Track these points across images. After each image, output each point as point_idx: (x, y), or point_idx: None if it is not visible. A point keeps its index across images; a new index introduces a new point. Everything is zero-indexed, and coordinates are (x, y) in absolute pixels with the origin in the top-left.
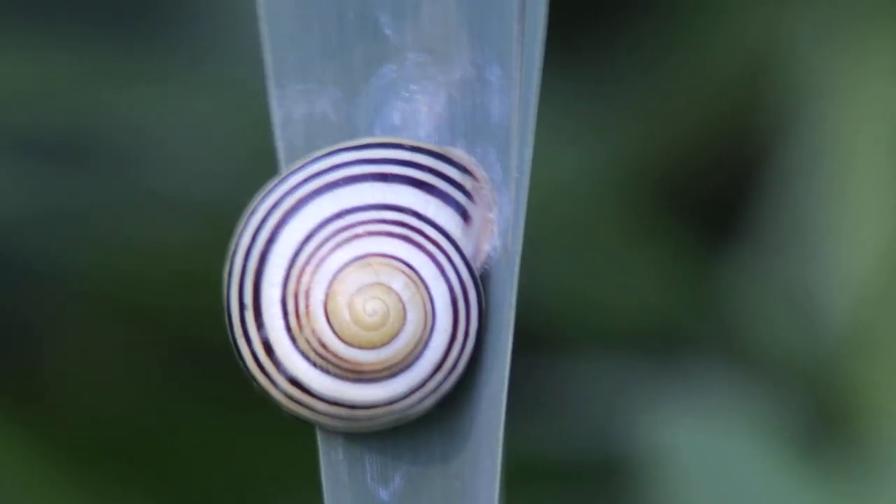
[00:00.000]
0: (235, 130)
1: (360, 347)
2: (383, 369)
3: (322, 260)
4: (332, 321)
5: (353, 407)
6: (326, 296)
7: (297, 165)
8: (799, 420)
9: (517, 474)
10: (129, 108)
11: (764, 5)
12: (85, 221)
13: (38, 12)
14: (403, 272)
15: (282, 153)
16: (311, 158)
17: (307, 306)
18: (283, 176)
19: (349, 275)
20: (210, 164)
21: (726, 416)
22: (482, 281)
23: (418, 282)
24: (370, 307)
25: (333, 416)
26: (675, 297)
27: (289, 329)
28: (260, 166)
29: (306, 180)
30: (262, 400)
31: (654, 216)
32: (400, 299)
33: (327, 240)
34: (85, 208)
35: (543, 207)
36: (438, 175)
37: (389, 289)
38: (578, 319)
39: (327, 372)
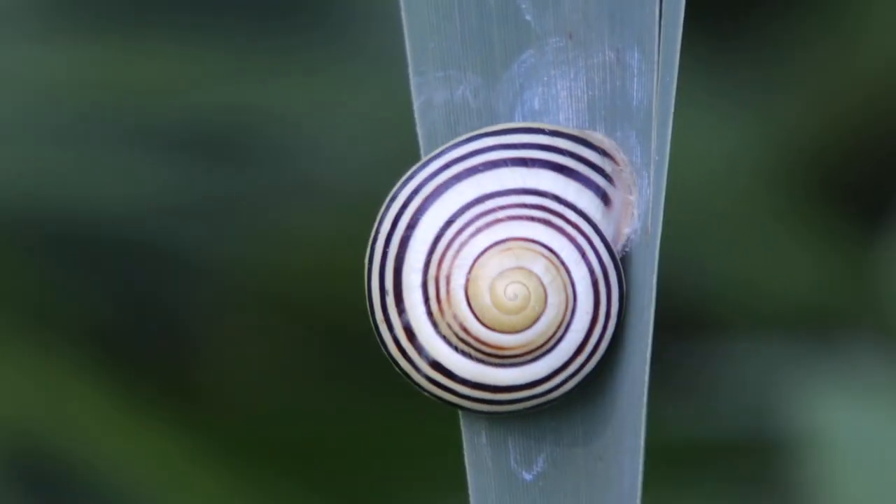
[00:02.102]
0: (384, 120)
1: (502, 331)
2: (525, 353)
3: (462, 245)
4: (473, 305)
5: (495, 390)
6: (467, 280)
7: (437, 151)
8: None
9: (668, 456)
10: (279, 101)
11: None
12: (238, 213)
13: (191, 9)
14: (544, 256)
15: (422, 140)
16: (451, 144)
17: (448, 291)
18: (423, 162)
19: (490, 259)
20: (358, 154)
21: (881, 395)
22: (623, 263)
23: (559, 265)
24: (511, 291)
25: (476, 400)
26: (829, 279)
27: (430, 314)
28: (406, 155)
29: (446, 166)
30: (405, 384)
31: (808, 198)
32: (541, 282)
33: (468, 224)
34: (238, 200)
35: (693, 190)
36: (578, 159)
37: (530, 272)
38: (732, 302)
39: (469, 356)
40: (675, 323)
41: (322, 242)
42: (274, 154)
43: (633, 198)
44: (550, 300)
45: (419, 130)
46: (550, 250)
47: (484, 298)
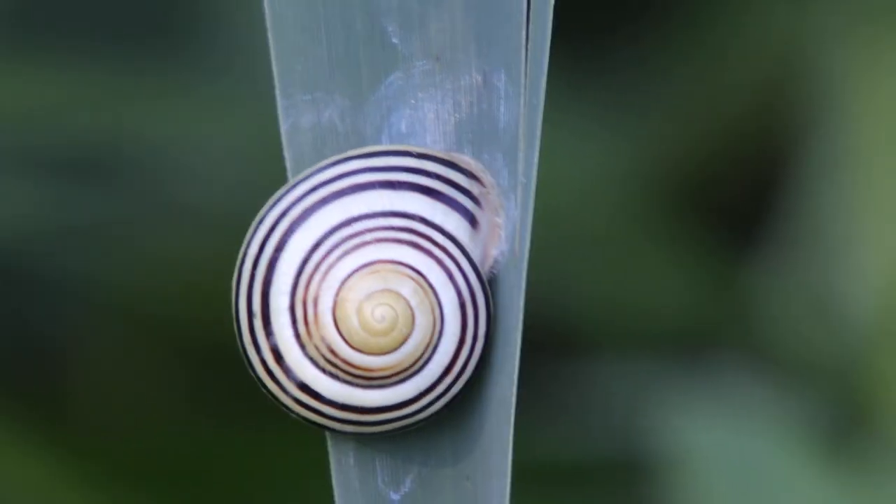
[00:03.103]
0: (254, 143)
1: (370, 353)
2: (393, 374)
3: (330, 267)
4: (340, 327)
5: (363, 411)
6: (335, 303)
7: (304, 174)
8: (823, 420)
9: (536, 477)
10: (150, 123)
11: (786, 5)
12: (108, 235)
13: (57, 31)
14: (412, 278)
15: (290, 163)
16: (318, 167)
17: (316, 313)
18: (290, 185)
19: (358, 281)
20: (227, 177)
21: (751, 416)
22: (490, 285)
23: (427, 287)
24: (379, 313)
25: (344, 421)
26: (699, 298)
27: (298, 336)
28: (274, 177)
29: (313, 189)
30: (273, 406)
31: (677, 219)
32: (409, 305)
33: (335, 247)
34: (109, 222)
35: (563, 211)
36: (446, 181)
37: (398, 294)
38: (601, 322)
39: (337, 377)
40: (543, 344)
41: (192, 264)
42: (144, 176)
43: (500, 220)
44: (418, 322)
45: (287, 154)
46: (418, 272)
47: (352, 321)
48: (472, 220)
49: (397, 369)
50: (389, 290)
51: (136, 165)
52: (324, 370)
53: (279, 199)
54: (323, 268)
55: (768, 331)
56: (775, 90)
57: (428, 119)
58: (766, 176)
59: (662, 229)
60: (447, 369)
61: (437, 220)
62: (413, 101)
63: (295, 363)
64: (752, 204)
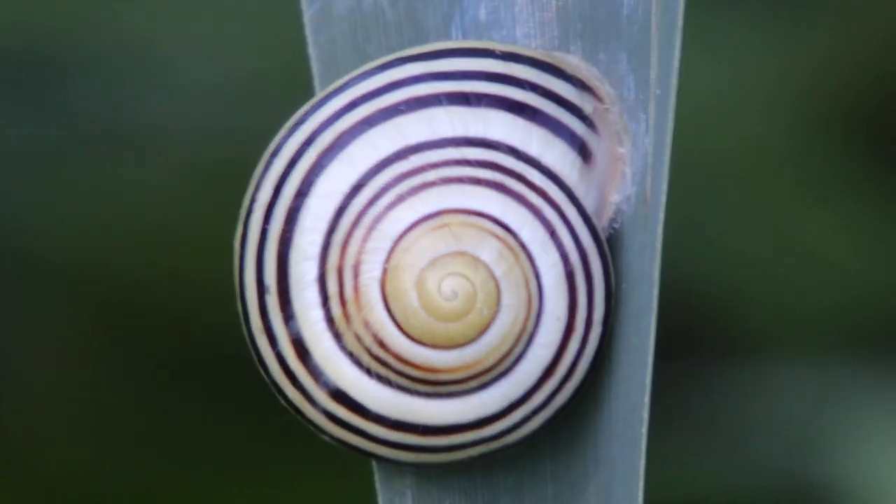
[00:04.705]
0: (261, 36)
1: (435, 346)
2: (469, 377)
3: (377, 220)
4: (392, 308)
5: (426, 432)
6: (385, 271)
7: (338, 84)
8: None
9: None
10: (117, 14)
11: None
12: (40, 170)
13: None
14: (496, 235)
15: (317, 66)
16: (358, 73)
17: (356, 287)
18: (319, 99)
19: (417, 240)
20: (221, 87)
21: None
22: (610, 246)
23: (518, 249)
24: (449, 287)
25: (398, 446)
26: (883, 265)
27: (330, 321)
28: (294, 89)
29: (353, 104)
30: (294, 422)
31: (848, 156)
32: (492, 275)
33: (384, 190)
34: (41, 151)
35: (695, 142)
36: (545, 94)
37: (476, 260)
38: (754, 304)
39: (387, 381)
40: (682, 336)
41: (164, 217)
42: (100, 88)
43: (623, 150)
44: (505, 300)
45: (312, 52)
46: (505, 228)
47: (409, 298)
48: (584, 151)
49: (476, 370)
50: (463, 254)
51: (91, 71)
52: (369, 370)
53: (302, 120)
54: (367, 220)
55: None
56: None
57: (518, 3)
58: None
59: (830, 169)
60: (548, 370)
61: (533, 150)
62: None
63: (326, 360)
64: None
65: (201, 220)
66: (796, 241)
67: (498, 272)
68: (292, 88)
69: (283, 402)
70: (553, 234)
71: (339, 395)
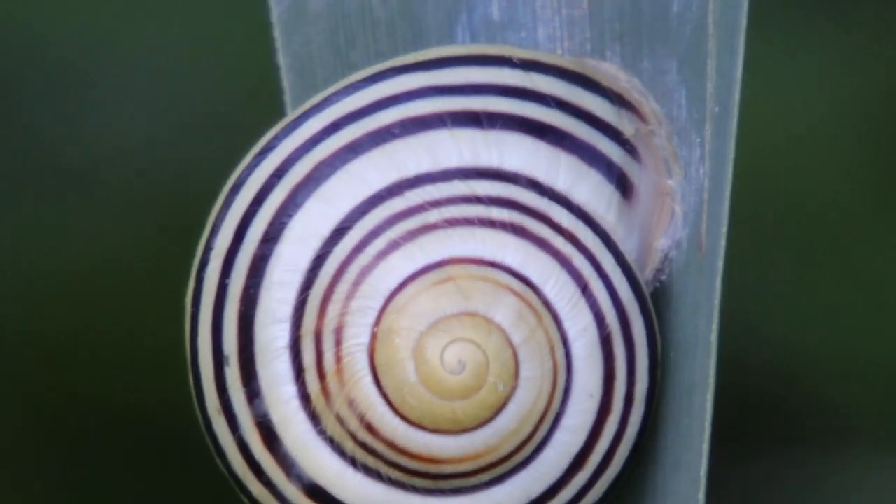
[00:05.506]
0: (222, 41)
1: (437, 430)
2: (479, 469)
3: (365, 271)
4: (384, 383)
5: None
6: (374, 337)
7: (316, 101)
8: None
9: None
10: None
11: None
12: None
13: None
14: (514, 292)
15: (288, 78)
16: (341, 88)
17: (339, 357)
18: (291, 120)
19: (415, 298)
20: (169, 107)
21: None
22: (656, 304)
23: (541, 309)
24: (454, 357)
25: None
26: None
27: (306, 399)
28: (261, 105)
29: (333, 127)
30: None
31: None
32: (508, 341)
33: (374, 234)
34: None
35: (762, 172)
36: (574, 112)
37: (489, 322)
38: (833, 377)
39: (376, 475)
40: (744, 418)
41: (115, 257)
42: (56, 96)
43: (672, 183)
44: (525, 373)
45: (282, 59)
46: (525, 282)
47: (404, 370)
48: (623, 184)
49: (488, 460)
50: (473, 315)
51: (49, 82)
52: (353, 461)
53: (271, 147)
54: (352, 273)
55: None
56: None
57: None
58: None
59: None
60: (578, 460)
61: (560, 184)
62: None
63: (300, 448)
64: None
65: (143, 274)
66: (887, 296)
67: (516, 338)
68: (257, 106)
69: (245, 500)
70: (585, 289)
71: (316, 492)
